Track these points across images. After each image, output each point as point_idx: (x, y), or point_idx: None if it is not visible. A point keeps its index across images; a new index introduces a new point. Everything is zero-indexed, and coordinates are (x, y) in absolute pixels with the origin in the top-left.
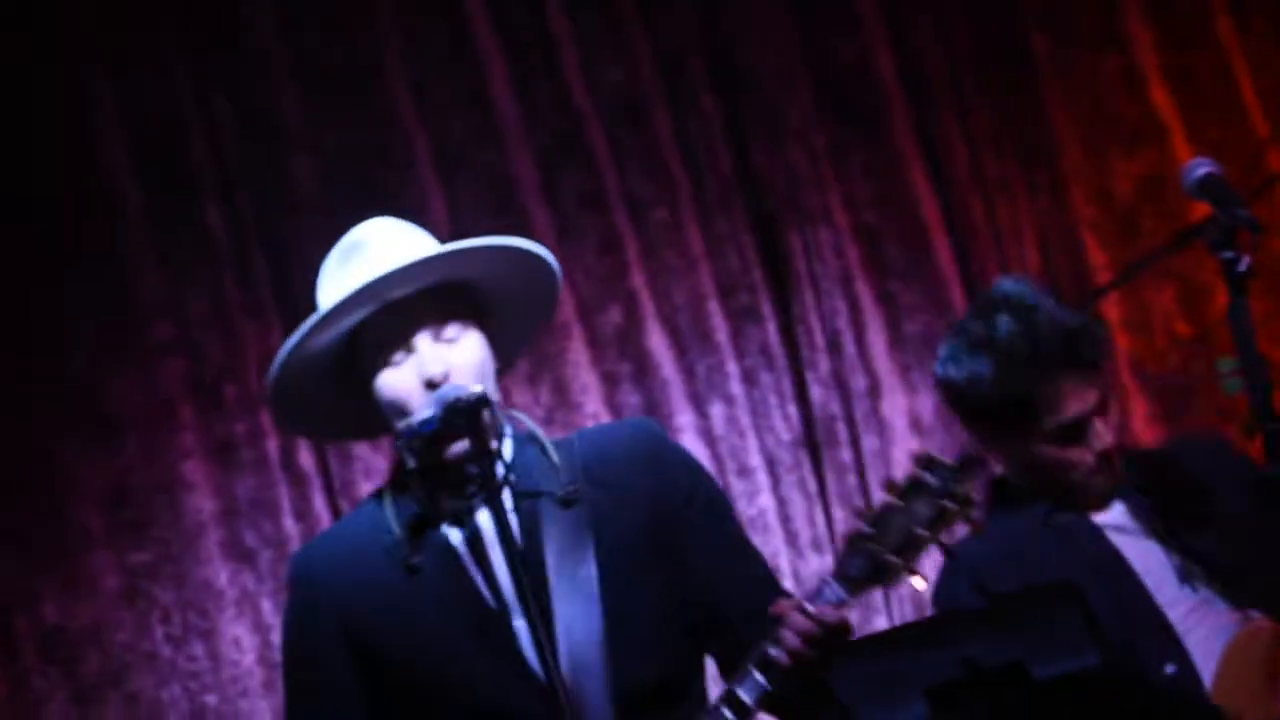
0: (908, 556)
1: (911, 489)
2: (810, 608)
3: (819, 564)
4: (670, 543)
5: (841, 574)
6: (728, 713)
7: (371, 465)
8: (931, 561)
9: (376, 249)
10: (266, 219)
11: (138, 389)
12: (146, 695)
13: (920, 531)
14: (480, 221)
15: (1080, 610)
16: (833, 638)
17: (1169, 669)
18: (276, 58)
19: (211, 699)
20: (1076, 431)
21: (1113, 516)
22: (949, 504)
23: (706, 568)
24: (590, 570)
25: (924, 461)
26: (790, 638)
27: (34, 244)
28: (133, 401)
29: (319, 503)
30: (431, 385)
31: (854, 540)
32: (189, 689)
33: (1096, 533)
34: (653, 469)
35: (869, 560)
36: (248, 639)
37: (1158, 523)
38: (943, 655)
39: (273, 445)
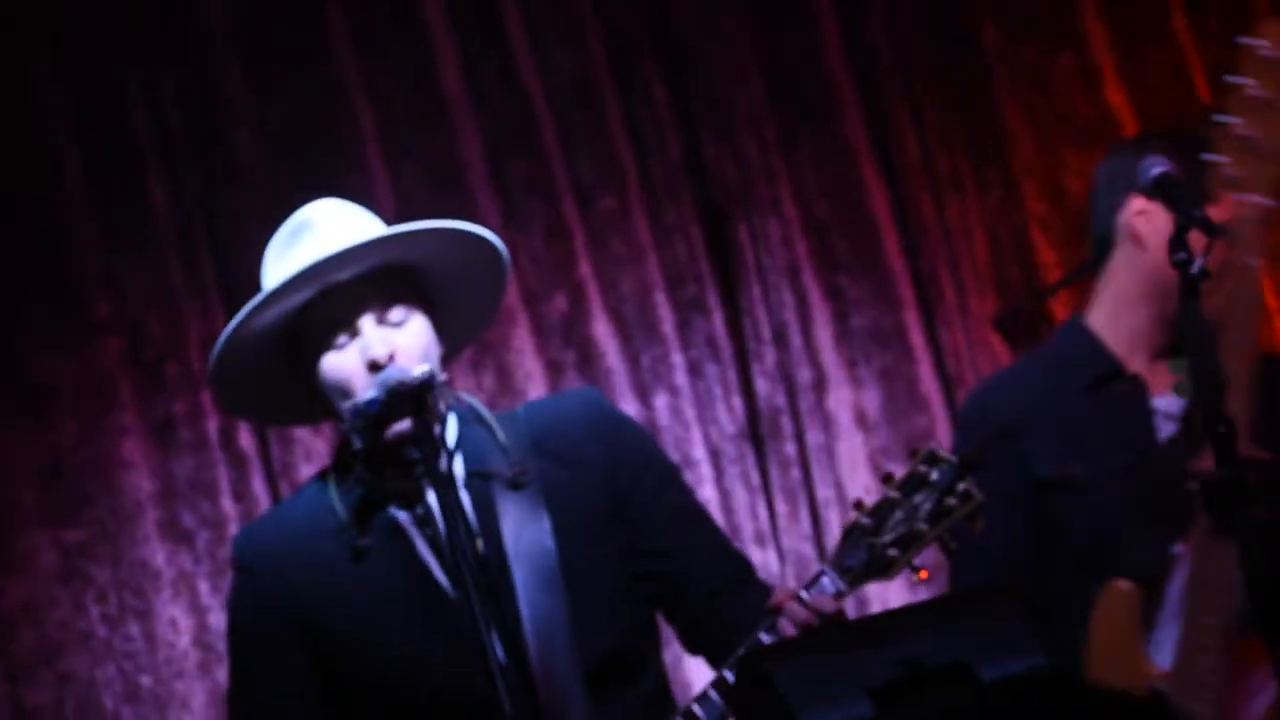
0: (908, 551)
1: (912, 483)
2: (807, 597)
3: (761, 557)
4: (625, 514)
5: (840, 565)
6: (716, 697)
7: (312, 448)
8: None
9: (322, 230)
10: (209, 196)
11: (75, 365)
12: (80, 675)
13: (921, 527)
14: (426, 205)
15: (1024, 609)
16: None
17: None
18: (221, 32)
19: (146, 680)
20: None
21: (1168, 403)
22: (951, 500)
23: (665, 539)
24: (549, 546)
25: (926, 457)
26: (786, 627)
27: None
28: (70, 377)
29: (258, 484)
30: (375, 367)
31: (853, 532)
32: (124, 669)
33: (1146, 413)
34: (603, 441)
35: (868, 553)
36: (184, 620)
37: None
38: (886, 654)
39: (212, 425)
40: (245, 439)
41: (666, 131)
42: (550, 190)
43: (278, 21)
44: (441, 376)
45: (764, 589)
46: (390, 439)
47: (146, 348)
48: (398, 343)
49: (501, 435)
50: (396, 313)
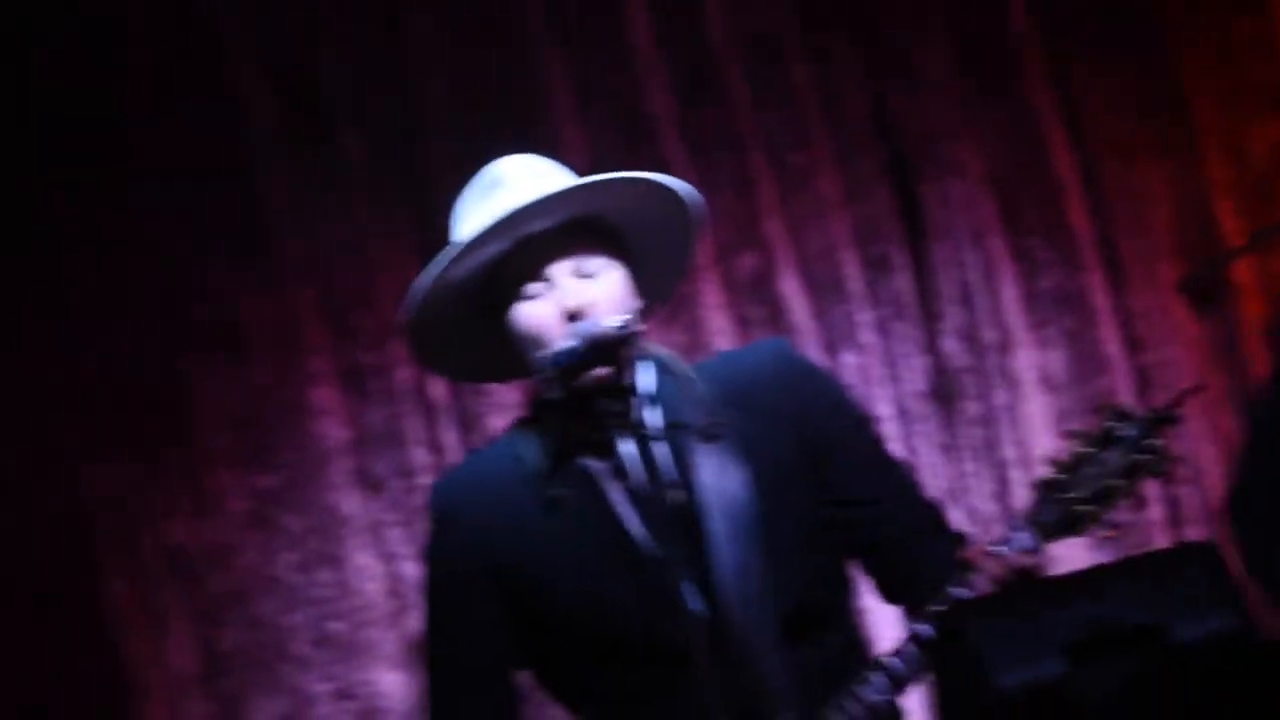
0: (1101, 507)
1: (1105, 439)
2: (1001, 553)
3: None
4: (817, 463)
5: (1032, 520)
6: (910, 650)
7: (503, 399)
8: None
9: (516, 182)
10: (401, 145)
11: (269, 312)
12: (270, 619)
13: (1114, 482)
14: (616, 159)
15: (1221, 569)
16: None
17: None
18: None
19: (336, 626)
20: None
21: None
22: (1143, 455)
23: (858, 487)
24: (744, 496)
25: (1116, 413)
26: (979, 582)
27: (169, 164)
28: (263, 324)
29: (449, 434)
30: (571, 318)
31: (1046, 488)
32: (313, 615)
33: None
34: (795, 390)
35: (1061, 509)
36: (374, 568)
37: None
38: (1080, 612)
39: (404, 374)
40: (436, 389)
41: (855, 89)
42: (739, 145)
43: None
44: (637, 328)
45: (956, 538)
46: (585, 388)
47: (338, 296)
48: (593, 293)
49: (696, 387)
50: (592, 263)
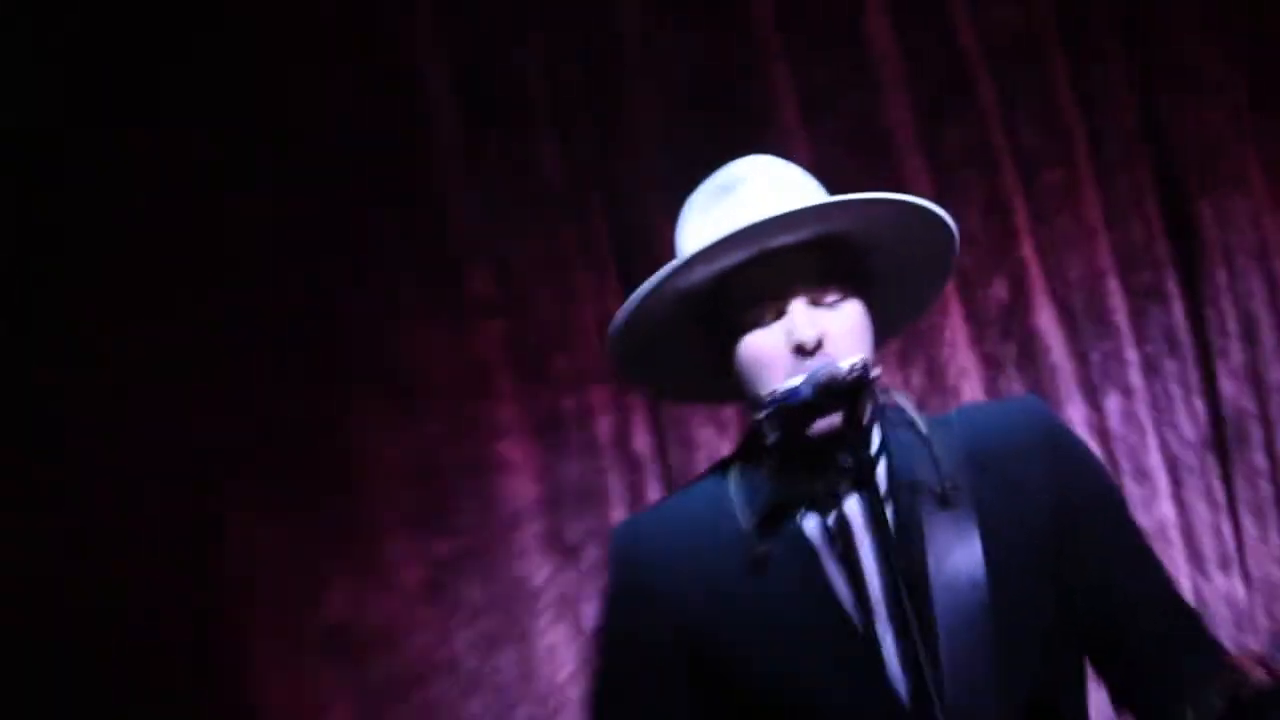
0: None
1: None
2: (1272, 660)
3: (1225, 585)
4: (1066, 544)
5: None
6: None
7: (716, 452)
8: None
9: (756, 188)
10: (606, 160)
11: (450, 352)
12: (445, 707)
13: None
14: (848, 175)
15: None
16: None
17: None
18: None
19: (521, 715)
20: None
21: None
22: None
23: (1109, 577)
24: (978, 574)
25: None
26: (1245, 693)
27: (339, 178)
28: (443, 366)
29: (654, 493)
30: (801, 351)
31: None
32: (494, 703)
33: None
34: (1051, 458)
35: None
36: (565, 648)
37: None
38: None
39: (605, 425)
40: (641, 441)
41: (1121, 94)
42: (988, 160)
43: None
44: (875, 371)
45: (1215, 647)
46: (809, 436)
47: (532, 332)
48: (828, 327)
49: (933, 443)
50: (831, 294)
